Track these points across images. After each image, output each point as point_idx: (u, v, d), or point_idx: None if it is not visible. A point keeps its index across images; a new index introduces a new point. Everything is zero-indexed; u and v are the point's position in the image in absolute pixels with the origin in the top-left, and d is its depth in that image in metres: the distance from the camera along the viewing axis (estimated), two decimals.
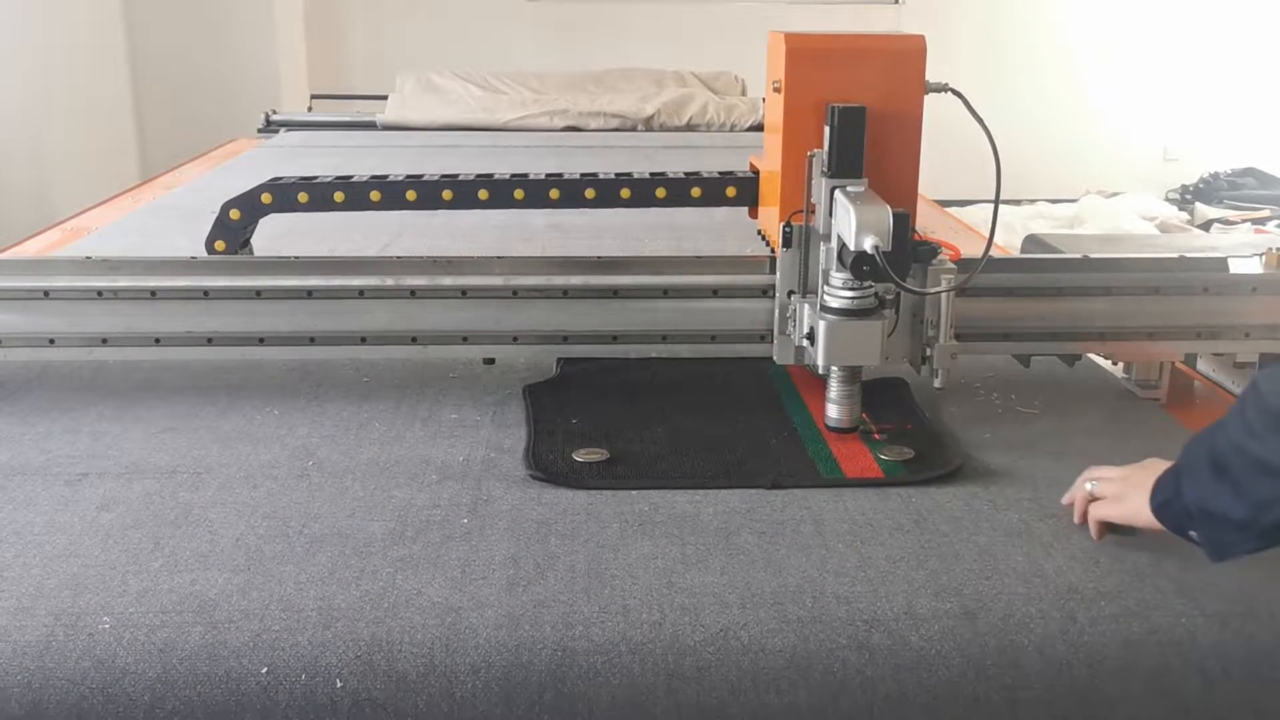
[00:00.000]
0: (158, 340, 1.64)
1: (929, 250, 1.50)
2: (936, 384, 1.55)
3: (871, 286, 1.44)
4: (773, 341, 1.62)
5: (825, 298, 1.46)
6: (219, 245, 1.79)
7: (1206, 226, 6.98)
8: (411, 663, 1.07)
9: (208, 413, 1.62)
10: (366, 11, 7.57)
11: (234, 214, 1.79)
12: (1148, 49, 7.96)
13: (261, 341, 1.65)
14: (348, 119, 4.73)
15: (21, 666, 1.06)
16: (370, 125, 4.48)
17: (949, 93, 1.50)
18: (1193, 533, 1.17)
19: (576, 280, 1.65)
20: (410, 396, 1.69)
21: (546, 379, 1.75)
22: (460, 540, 1.27)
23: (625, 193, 1.74)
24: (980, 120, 1.47)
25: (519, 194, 1.74)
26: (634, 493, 1.38)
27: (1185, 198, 7.70)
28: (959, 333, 1.60)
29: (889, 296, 1.47)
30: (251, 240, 1.85)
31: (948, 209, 3.56)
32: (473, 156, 3.44)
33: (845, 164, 1.45)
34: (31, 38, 5.46)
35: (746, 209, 1.76)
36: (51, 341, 1.64)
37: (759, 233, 1.70)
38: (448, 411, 1.64)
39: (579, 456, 1.46)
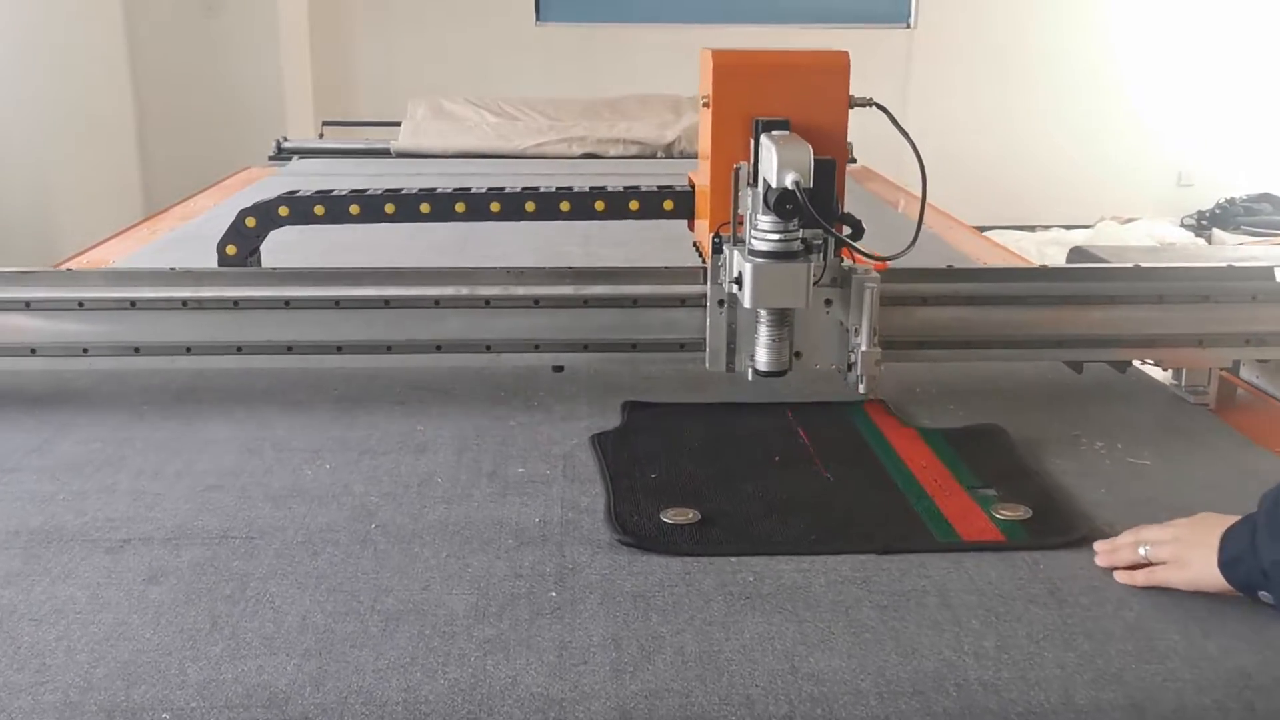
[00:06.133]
0: (239, 349, 1.67)
1: (858, 226, 1.46)
2: (861, 389, 1.53)
3: (797, 231, 1.41)
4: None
5: (752, 241, 1.43)
6: (229, 249, 1.79)
7: None
8: None
9: (254, 467, 1.49)
10: (372, 36, 7.49)
11: (249, 221, 1.80)
12: (1161, 75, 7.91)
13: (339, 350, 1.68)
14: (362, 146, 4.62)
15: None
16: (384, 153, 4.39)
17: (874, 107, 1.51)
18: (1263, 593, 1.09)
19: (645, 289, 1.68)
20: (470, 448, 1.56)
21: (614, 428, 1.63)
22: (551, 617, 1.14)
23: (565, 205, 1.78)
24: (906, 135, 1.53)
25: (460, 207, 1.80)
26: (732, 559, 1.26)
27: (1201, 223, 7.64)
28: (1010, 341, 1.71)
29: (816, 242, 1.46)
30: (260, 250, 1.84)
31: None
32: (493, 184, 3.32)
33: None
34: (34, 65, 5.35)
35: (685, 222, 1.76)
36: (137, 350, 1.67)
37: (694, 244, 1.71)
38: (513, 465, 1.51)
39: (667, 518, 1.34)
